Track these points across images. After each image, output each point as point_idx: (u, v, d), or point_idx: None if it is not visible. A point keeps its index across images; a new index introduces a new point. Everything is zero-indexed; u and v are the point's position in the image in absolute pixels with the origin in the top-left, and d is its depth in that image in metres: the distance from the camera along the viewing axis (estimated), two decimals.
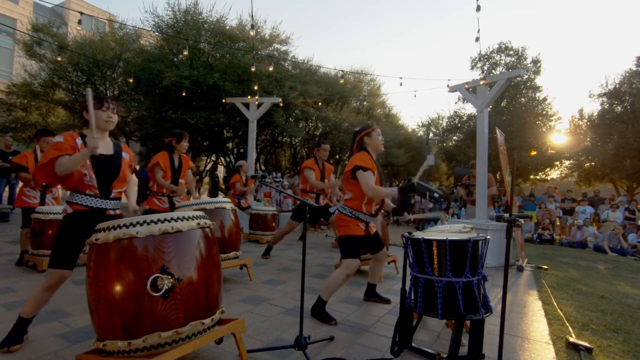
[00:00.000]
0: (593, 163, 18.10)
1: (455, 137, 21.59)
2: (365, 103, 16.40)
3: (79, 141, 2.17)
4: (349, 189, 2.94)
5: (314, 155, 5.01)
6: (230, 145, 15.29)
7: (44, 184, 4.28)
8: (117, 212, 2.33)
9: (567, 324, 3.06)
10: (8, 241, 5.44)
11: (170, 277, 1.75)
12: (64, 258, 2.14)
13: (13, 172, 4.63)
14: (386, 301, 3.37)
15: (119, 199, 2.34)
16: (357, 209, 2.90)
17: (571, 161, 19.23)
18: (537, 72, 18.97)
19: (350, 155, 3.04)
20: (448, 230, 2.25)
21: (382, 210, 3.14)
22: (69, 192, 2.25)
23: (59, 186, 4.51)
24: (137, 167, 10.15)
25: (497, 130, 6.01)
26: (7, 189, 8.38)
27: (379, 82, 17.87)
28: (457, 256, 2.04)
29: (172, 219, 1.87)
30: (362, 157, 2.85)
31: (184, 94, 10.14)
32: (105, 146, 2.27)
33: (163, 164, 3.90)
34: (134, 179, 2.52)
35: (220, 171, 18.54)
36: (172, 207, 3.95)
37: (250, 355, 2.17)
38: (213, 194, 12.88)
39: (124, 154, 2.35)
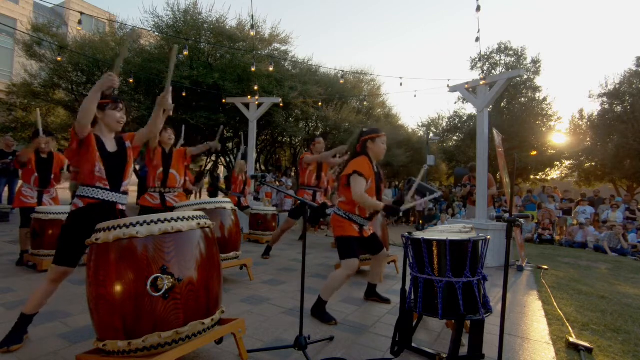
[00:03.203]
0: (593, 163, 18.08)
1: (455, 137, 21.57)
2: (365, 103, 16.37)
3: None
4: (343, 194, 2.95)
5: (310, 150, 5.33)
6: (230, 145, 15.29)
7: (49, 181, 4.30)
8: (124, 208, 2.37)
9: (567, 324, 3.06)
10: (8, 241, 5.44)
11: (170, 277, 1.75)
12: (68, 254, 2.15)
13: (16, 167, 4.60)
14: (386, 301, 3.38)
15: (128, 192, 2.38)
16: (351, 212, 2.92)
17: (571, 161, 19.21)
18: (536, 72, 18.95)
19: (350, 154, 3.04)
20: (448, 230, 2.25)
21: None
22: (72, 189, 2.26)
23: (57, 186, 4.52)
24: (137, 167, 10.13)
25: (495, 132, 5.99)
26: (6, 188, 8.37)
27: (379, 82, 17.88)
28: (457, 256, 2.04)
29: (172, 219, 1.87)
30: (361, 162, 2.85)
31: (184, 94, 10.14)
32: (110, 144, 2.31)
33: (156, 155, 3.91)
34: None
35: (221, 171, 18.53)
36: (164, 203, 3.87)
37: (250, 355, 2.17)
38: (213, 193, 12.87)
39: (127, 143, 2.39)
